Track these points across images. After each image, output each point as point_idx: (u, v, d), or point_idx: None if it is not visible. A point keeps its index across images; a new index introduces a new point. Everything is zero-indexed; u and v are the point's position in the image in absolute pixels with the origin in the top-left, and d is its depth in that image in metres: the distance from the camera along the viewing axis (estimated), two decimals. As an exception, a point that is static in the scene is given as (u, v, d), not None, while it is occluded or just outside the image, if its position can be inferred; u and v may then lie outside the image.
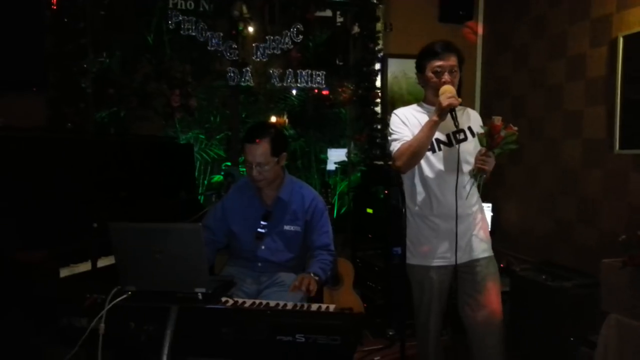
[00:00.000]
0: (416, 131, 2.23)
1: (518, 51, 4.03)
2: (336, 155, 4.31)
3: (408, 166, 2.26)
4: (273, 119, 4.32)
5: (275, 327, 1.72)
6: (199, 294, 1.67)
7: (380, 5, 4.09)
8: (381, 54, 4.14)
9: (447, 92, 2.10)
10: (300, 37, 3.92)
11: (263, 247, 2.45)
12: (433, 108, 2.20)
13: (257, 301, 2.00)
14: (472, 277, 2.32)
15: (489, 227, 3.82)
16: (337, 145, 4.37)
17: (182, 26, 3.70)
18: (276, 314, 1.84)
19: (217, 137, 4.18)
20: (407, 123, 2.31)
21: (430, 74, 2.25)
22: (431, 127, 2.15)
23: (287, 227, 2.46)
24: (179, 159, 3.45)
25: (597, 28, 3.21)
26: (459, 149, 2.24)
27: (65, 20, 3.40)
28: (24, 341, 2.03)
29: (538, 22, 3.78)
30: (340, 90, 4.12)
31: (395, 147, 2.29)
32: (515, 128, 2.07)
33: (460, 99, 2.12)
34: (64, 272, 2.19)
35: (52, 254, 2.15)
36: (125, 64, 3.66)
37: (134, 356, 1.91)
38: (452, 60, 2.24)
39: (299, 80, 3.97)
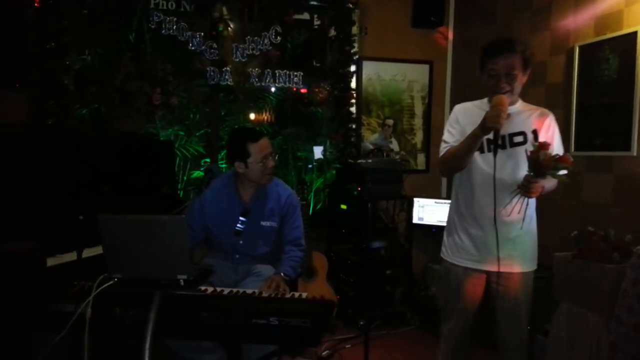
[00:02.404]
0: (470, 130, 2.13)
1: (486, 56, 4.24)
2: (315, 153, 4.47)
3: (448, 174, 2.25)
4: (252, 116, 4.44)
5: (251, 312, 1.87)
6: (181, 280, 1.81)
7: (356, 10, 4.25)
8: (356, 56, 4.29)
9: (495, 109, 1.96)
10: (279, 38, 4.06)
11: (241, 242, 2.59)
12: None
13: (235, 290, 2.16)
14: (504, 290, 2.22)
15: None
16: (314, 143, 4.52)
17: (163, 26, 3.81)
18: (252, 300, 1.99)
19: (197, 134, 4.29)
20: (461, 122, 2.24)
21: (486, 77, 2.12)
22: (473, 139, 2.06)
23: (263, 223, 2.61)
24: (160, 155, 3.57)
25: (556, 38, 3.43)
26: (510, 153, 2.12)
27: (48, 18, 3.48)
28: (12, 327, 2.14)
29: (504, 30, 3.99)
30: (317, 90, 4.28)
31: (442, 151, 2.25)
32: (571, 159, 1.91)
33: (506, 117, 1.97)
34: (51, 262, 2.30)
35: (39, 245, 2.26)
36: (107, 62, 3.75)
37: (119, 339, 2.04)
38: (510, 61, 2.05)
39: (277, 80, 4.12)
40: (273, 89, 4.28)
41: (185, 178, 4.36)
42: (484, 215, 2.17)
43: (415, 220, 4.20)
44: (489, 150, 2.13)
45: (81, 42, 3.70)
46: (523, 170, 2.03)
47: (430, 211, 4.21)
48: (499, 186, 2.06)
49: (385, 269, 3.94)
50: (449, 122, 2.31)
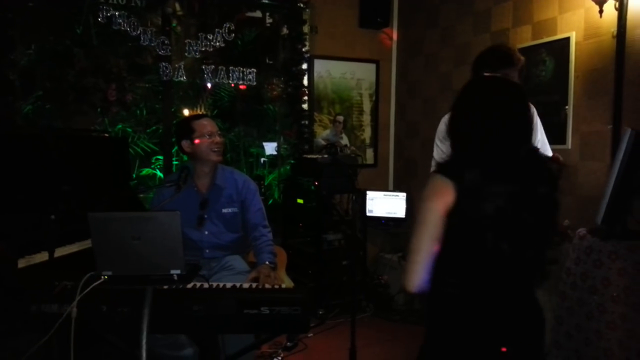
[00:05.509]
0: None
1: (428, 57, 4.50)
2: (267, 149, 4.54)
3: None
4: (186, 112, 4.42)
5: (242, 303, 1.94)
6: (175, 275, 1.84)
7: (307, 10, 4.35)
8: (308, 54, 4.40)
9: None
10: (232, 35, 4.08)
11: (206, 233, 2.63)
12: None
13: (215, 284, 2.20)
14: None
15: (404, 214, 4.30)
16: (265, 139, 4.59)
17: (114, 20, 3.72)
18: (241, 292, 2.05)
19: (148, 130, 4.21)
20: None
21: None
22: None
23: (224, 210, 2.68)
24: (115, 152, 3.49)
25: (496, 40, 3.71)
26: None
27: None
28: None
29: (446, 33, 4.26)
30: (269, 87, 4.35)
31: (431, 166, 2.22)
32: (561, 158, 2.17)
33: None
34: (21, 263, 2.23)
35: (8, 246, 2.19)
36: (56, 57, 3.61)
37: (106, 337, 2.03)
38: (511, 75, 2.12)
39: (230, 77, 4.14)
40: (209, 85, 4.26)
41: (134, 176, 4.27)
42: None
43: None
44: None
45: (27, 37, 3.53)
46: None
47: (379, 203, 4.41)
48: None
49: (341, 259, 4.09)
50: (437, 135, 2.32)
